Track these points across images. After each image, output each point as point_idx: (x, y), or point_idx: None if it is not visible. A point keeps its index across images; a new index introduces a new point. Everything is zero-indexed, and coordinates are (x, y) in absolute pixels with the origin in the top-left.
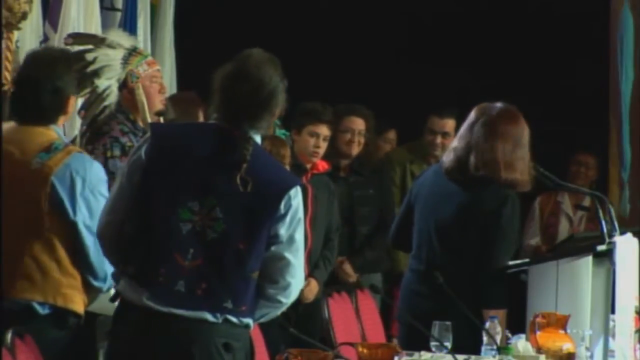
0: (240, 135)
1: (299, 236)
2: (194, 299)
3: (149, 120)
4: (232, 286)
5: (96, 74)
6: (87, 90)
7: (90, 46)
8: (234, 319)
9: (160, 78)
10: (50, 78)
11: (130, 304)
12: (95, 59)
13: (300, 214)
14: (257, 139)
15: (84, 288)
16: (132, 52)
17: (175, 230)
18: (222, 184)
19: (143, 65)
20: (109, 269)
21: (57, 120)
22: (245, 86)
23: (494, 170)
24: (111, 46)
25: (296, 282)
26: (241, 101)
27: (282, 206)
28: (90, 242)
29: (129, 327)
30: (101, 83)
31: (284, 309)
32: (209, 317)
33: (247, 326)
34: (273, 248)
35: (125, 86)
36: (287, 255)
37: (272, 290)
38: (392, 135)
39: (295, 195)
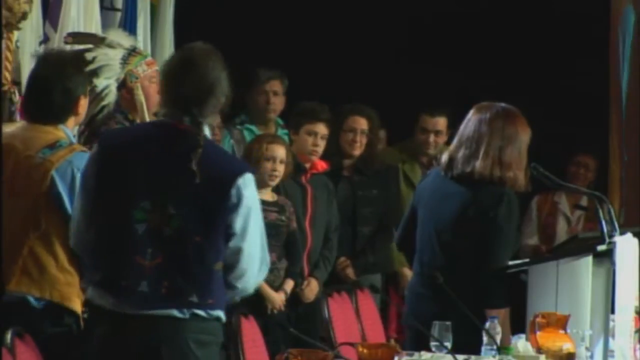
0: (187, 127)
1: (253, 224)
2: (158, 298)
3: (148, 120)
4: (195, 280)
5: (95, 73)
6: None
7: (90, 45)
8: (202, 313)
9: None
10: (61, 79)
11: (99, 309)
12: (94, 58)
13: (253, 202)
14: (206, 130)
15: (82, 288)
16: (132, 52)
17: (132, 233)
18: (172, 180)
19: (142, 65)
20: None
21: (66, 120)
22: (191, 73)
23: (483, 166)
24: (110, 46)
25: (252, 269)
26: (187, 87)
27: (233, 195)
28: None
29: (99, 332)
30: (100, 82)
31: (245, 294)
32: (176, 313)
33: (217, 319)
34: (231, 243)
35: (124, 86)
36: (243, 245)
37: (229, 277)
38: (381, 134)
39: (246, 185)
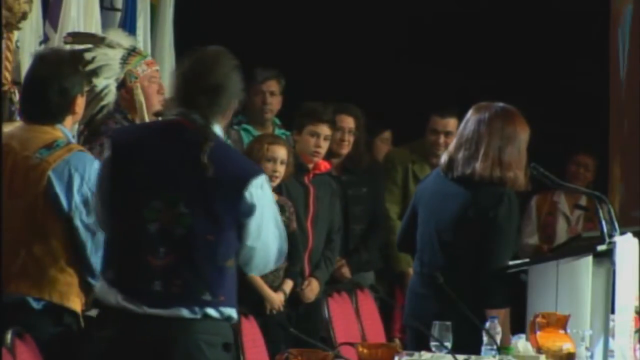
0: (197, 125)
1: (267, 223)
2: (170, 297)
3: (147, 120)
4: (206, 278)
5: (94, 73)
6: (85, 89)
7: (90, 45)
8: (214, 313)
9: (159, 78)
10: (57, 78)
11: (109, 307)
12: (94, 58)
13: (267, 202)
14: (218, 130)
15: (82, 287)
16: (131, 52)
17: (144, 232)
18: (183, 177)
19: (142, 66)
20: None
21: (63, 119)
22: (201, 72)
23: (483, 168)
24: (110, 46)
25: (267, 261)
26: (197, 86)
27: (247, 198)
28: (87, 239)
29: (109, 330)
30: (99, 82)
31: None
32: (185, 313)
33: (228, 319)
34: (246, 242)
35: (123, 86)
36: (257, 244)
37: (245, 269)
38: (387, 135)
39: (260, 187)
